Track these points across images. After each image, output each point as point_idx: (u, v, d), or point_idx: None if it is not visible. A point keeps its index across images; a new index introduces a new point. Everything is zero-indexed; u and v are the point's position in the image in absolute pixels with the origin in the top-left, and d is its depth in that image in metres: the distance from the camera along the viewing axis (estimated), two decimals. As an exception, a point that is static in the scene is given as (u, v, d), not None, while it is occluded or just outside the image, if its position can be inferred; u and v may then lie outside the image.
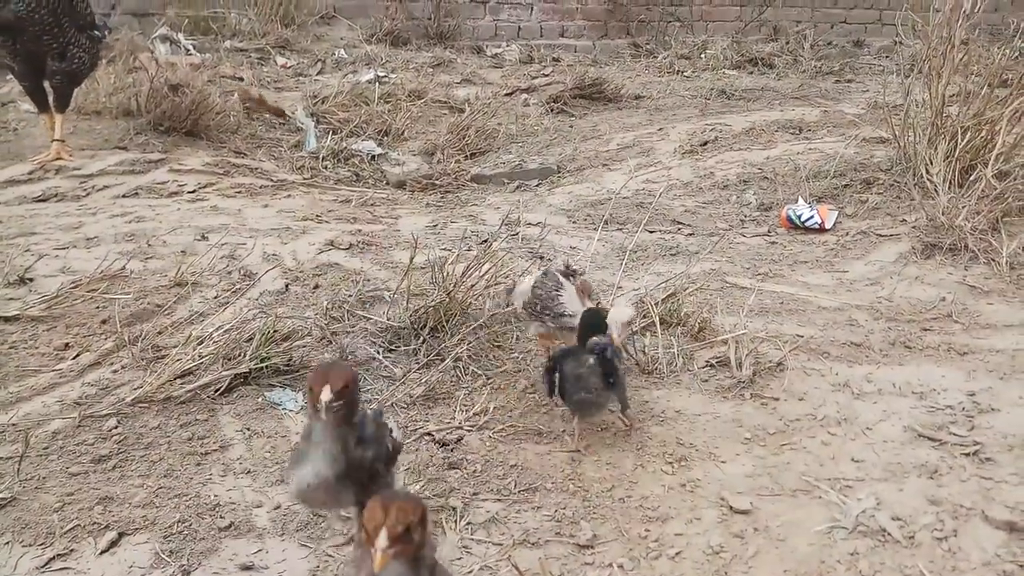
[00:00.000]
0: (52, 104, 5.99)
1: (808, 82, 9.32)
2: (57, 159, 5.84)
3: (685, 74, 9.94)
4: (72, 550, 2.46)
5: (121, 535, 2.51)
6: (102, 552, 2.45)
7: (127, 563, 2.41)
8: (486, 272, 3.88)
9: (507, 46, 11.05)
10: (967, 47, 5.79)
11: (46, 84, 5.93)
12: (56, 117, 6.01)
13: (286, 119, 7.40)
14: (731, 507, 2.62)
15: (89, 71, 6.18)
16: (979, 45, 6.33)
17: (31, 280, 4.17)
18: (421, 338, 3.62)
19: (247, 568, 2.39)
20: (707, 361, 3.51)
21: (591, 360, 2.82)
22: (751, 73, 9.94)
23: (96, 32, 6.11)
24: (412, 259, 3.80)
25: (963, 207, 4.75)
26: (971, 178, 5.02)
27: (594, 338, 2.87)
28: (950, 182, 5.14)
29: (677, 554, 2.42)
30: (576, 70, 9.26)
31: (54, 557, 2.43)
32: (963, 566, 2.35)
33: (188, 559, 2.42)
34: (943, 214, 4.76)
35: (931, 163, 5.33)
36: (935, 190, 5.11)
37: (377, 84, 8.30)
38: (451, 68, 9.70)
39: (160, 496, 2.69)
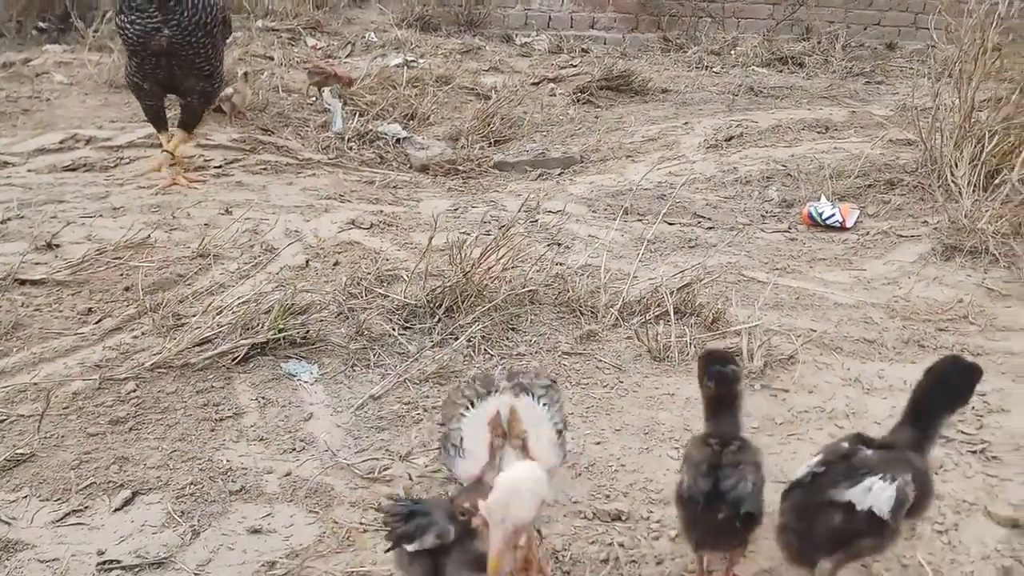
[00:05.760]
0: (180, 121, 5.47)
1: (838, 82, 9.24)
2: (173, 184, 5.25)
3: (714, 70, 9.89)
4: (87, 507, 2.54)
5: (135, 494, 2.59)
6: (116, 510, 2.52)
7: (140, 521, 2.48)
8: (503, 256, 3.92)
9: (536, 36, 11.04)
10: (999, 52, 5.73)
11: (181, 101, 5.45)
12: (176, 134, 5.45)
13: (353, 85, 7.47)
14: (735, 493, 2.64)
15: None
16: (1013, 51, 6.26)
17: (58, 246, 4.27)
18: (437, 317, 3.67)
19: (255, 531, 2.45)
20: (719, 351, 3.52)
21: None
22: (780, 71, 9.86)
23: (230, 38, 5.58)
24: (431, 239, 3.84)
25: (986, 211, 4.71)
26: (995, 182, 4.98)
27: None
28: (975, 185, 5.09)
29: (677, 536, 2.45)
30: (604, 62, 9.24)
31: (69, 512, 2.51)
32: (962, 559, 2.36)
33: (199, 520, 2.49)
34: (965, 217, 4.72)
35: (956, 166, 5.29)
36: (959, 193, 5.07)
37: (405, 68, 8.34)
38: (479, 56, 9.72)
39: (174, 458, 2.76)
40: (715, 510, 2.05)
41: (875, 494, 1.99)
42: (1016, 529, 2.47)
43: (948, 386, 2.23)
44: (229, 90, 6.39)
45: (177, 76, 5.18)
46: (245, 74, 6.62)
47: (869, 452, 2.10)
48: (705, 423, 2.34)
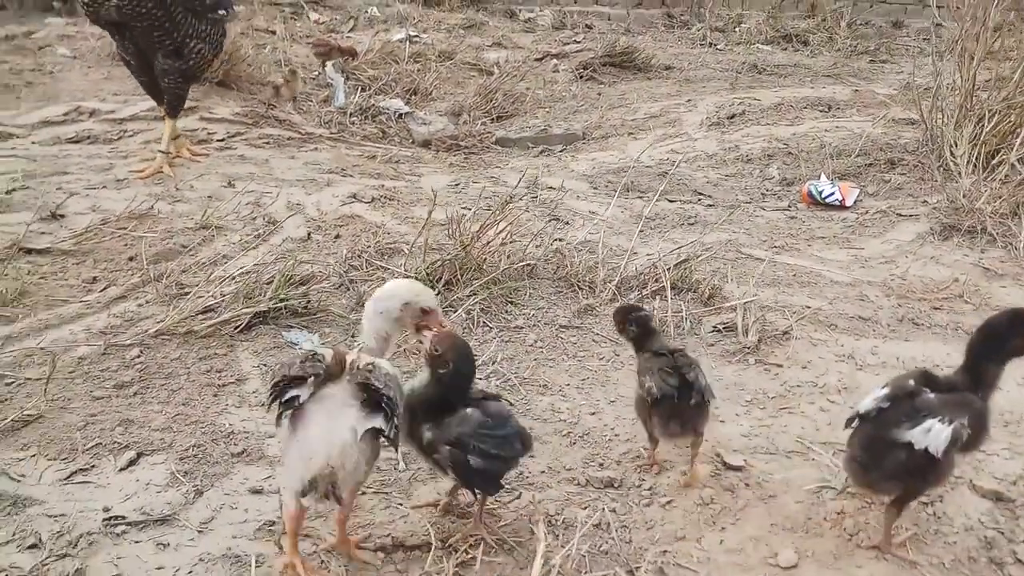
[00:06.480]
0: (165, 106, 5.21)
1: (842, 61, 9.22)
2: (158, 172, 5.07)
3: (718, 47, 9.87)
4: (93, 466, 2.60)
5: (140, 455, 2.65)
6: (121, 469, 2.58)
7: (144, 481, 2.54)
8: (502, 230, 3.96)
9: (540, 11, 11.03)
10: (1000, 31, 5.73)
11: (160, 84, 5.13)
12: (167, 123, 5.23)
13: (357, 58, 7.57)
14: (725, 463, 2.70)
15: (211, 62, 5.40)
16: (1018, 30, 6.24)
17: (63, 216, 4.32)
18: (436, 290, 3.71)
19: (257, 492, 2.51)
20: (714, 326, 3.58)
21: None
22: (785, 49, 9.85)
23: (220, 13, 5.19)
24: (431, 213, 3.88)
25: (985, 191, 4.74)
26: (995, 162, 5.00)
27: None
28: (974, 165, 5.12)
29: (668, 503, 2.51)
30: (608, 38, 9.22)
31: (76, 471, 2.57)
32: (946, 530, 2.42)
33: (201, 480, 2.55)
34: (964, 196, 4.75)
35: (956, 145, 5.31)
36: (958, 172, 5.09)
37: (408, 43, 8.34)
38: (482, 31, 9.71)
39: (178, 422, 2.82)
40: (688, 399, 2.44)
41: (934, 435, 2.14)
42: (999, 502, 2.53)
43: (997, 337, 2.31)
44: (279, 79, 6.69)
45: (143, 51, 4.99)
46: (293, 71, 6.89)
47: (932, 396, 2.23)
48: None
